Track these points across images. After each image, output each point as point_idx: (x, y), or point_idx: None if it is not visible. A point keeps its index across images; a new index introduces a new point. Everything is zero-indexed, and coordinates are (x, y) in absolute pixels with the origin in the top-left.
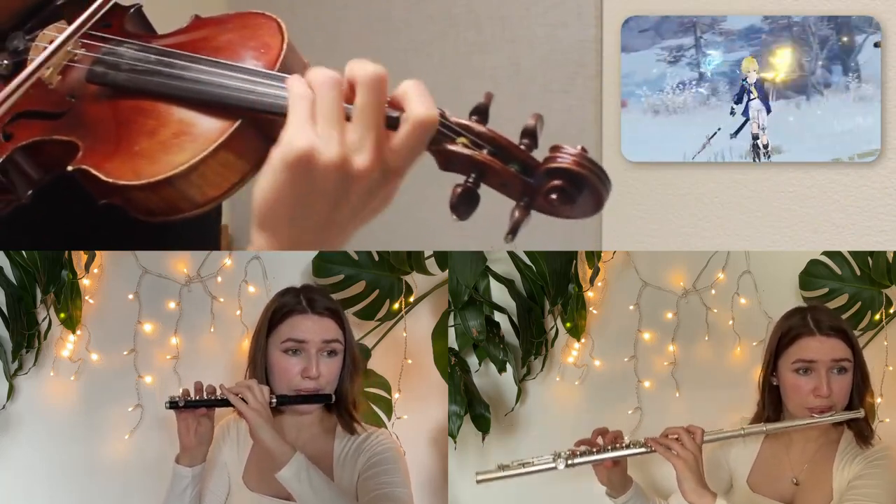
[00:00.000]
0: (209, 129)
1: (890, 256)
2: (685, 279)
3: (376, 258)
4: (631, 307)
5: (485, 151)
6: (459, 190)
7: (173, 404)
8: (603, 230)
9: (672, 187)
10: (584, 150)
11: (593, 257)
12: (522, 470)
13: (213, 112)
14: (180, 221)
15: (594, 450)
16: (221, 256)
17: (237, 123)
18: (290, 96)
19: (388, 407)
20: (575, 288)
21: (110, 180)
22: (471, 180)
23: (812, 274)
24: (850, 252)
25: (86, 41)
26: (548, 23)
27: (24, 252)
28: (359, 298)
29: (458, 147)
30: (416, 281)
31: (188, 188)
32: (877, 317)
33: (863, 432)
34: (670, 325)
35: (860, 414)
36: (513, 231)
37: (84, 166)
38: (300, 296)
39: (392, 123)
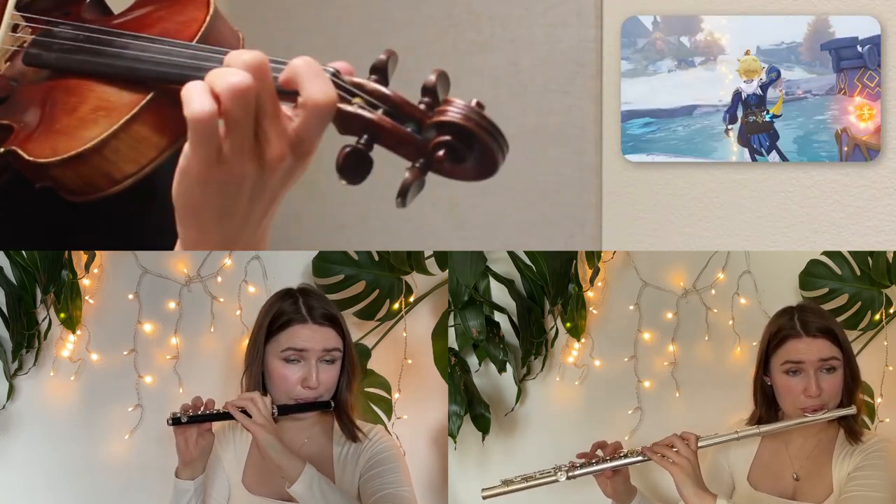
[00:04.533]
0: (124, 104)
1: (890, 256)
2: (685, 279)
3: (376, 258)
4: (631, 307)
5: (380, 111)
6: (346, 151)
7: (176, 421)
8: (603, 230)
9: (672, 187)
10: (479, 104)
11: (593, 257)
12: (525, 484)
13: (130, 86)
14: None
15: (594, 461)
16: (221, 256)
17: (149, 96)
18: (190, 114)
19: (388, 407)
20: (575, 288)
21: (31, 159)
22: (362, 142)
23: (812, 274)
24: (850, 252)
25: (34, 26)
26: (548, 23)
27: (24, 252)
28: (359, 298)
29: (351, 107)
30: (416, 281)
31: (102, 164)
32: (877, 317)
33: (852, 429)
34: (670, 325)
35: (852, 410)
36: (401, 194)
37: (12, 147)
38: (299, 303)
39: (290, 99)
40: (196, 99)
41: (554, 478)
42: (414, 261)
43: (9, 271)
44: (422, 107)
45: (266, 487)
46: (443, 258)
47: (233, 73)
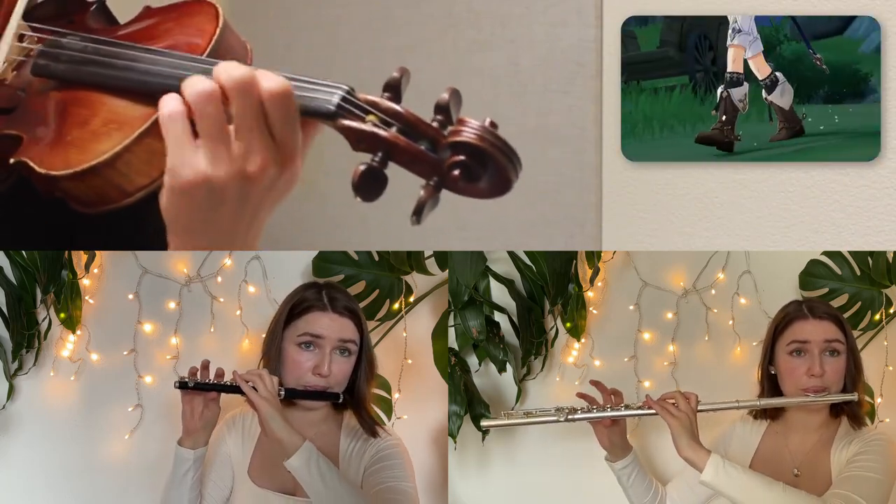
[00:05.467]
0: (136, 117)
1: (890, 256)
2: (685, 279)
3: (376, 258)
4: (631, 307)
5: (393, 129)
6: (362, 169)
7: (183, 384)
8: (603, 230)
9: (672, 187)
10: (493, 124)
11: (593, 257)
12: (526, 419)
13: (142, 99)
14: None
15: (594, 408)
16: (221, 256)
17: None
18: (161, 117)
19: (388, 407)
20: (575, 288)
21: (42, 171)
22: (377, 159)
23: (812, 274)
24: (850, 252)
25: (41, 35)
26: (547, 22)
27: (24, 252)
28: (359, 298)
29: (364, 125)
30: (416, 281)
31: (115, 176)
32: (877, 317)
33: (856, 414)
34: (670, 325)
35: (854, 397)
36: (416, 212)
37: (23, 158)
38: (322, 292)
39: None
40: (166, 104)
41: (554, 417)
42: (414, 261)
43: (9, 271)
44: (435, 125)
45: (271, 480)
46: (443, 258)
47: (201, 80)
